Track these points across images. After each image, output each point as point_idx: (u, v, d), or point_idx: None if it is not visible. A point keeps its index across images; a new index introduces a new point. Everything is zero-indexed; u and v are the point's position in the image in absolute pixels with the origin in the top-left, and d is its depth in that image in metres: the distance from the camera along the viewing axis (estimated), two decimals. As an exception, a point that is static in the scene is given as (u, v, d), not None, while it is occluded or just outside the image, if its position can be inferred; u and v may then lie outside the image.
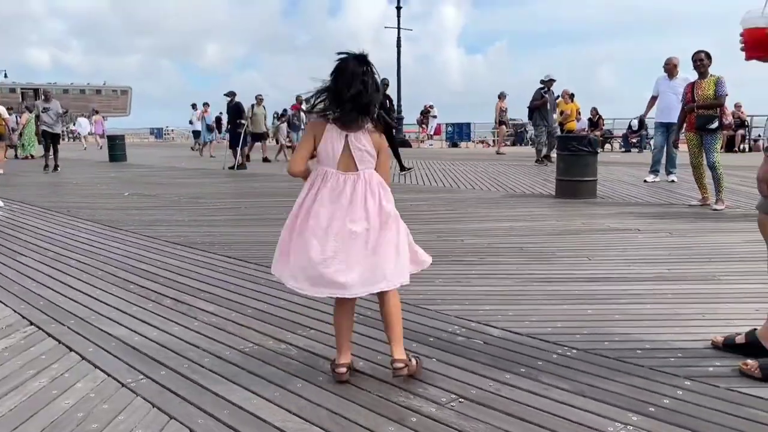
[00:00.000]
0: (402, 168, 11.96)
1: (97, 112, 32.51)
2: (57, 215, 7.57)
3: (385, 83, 11.28)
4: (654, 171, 10.23)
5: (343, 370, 2.60)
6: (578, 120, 18.15)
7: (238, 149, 14.59)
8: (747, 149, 19.25)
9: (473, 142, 27.18)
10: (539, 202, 8.20)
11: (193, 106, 23.96)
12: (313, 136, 2.58)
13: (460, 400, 2.44)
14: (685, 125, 7.37)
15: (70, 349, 3.05)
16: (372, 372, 2.72)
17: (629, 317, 3.39)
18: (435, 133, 28.38)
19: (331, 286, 2.51)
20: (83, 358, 2.95)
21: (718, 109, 7.03)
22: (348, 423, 2.26)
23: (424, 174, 12.14)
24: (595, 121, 19.23)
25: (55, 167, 14.29)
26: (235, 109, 14.25)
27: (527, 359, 2.83)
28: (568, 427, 2.21)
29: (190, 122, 24.63)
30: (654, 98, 10.11)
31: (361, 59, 2.49)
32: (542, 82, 13.74)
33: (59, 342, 3.16)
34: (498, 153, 18.12)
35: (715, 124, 7.01)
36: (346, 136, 2.53)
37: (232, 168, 14.60)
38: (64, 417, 2.35)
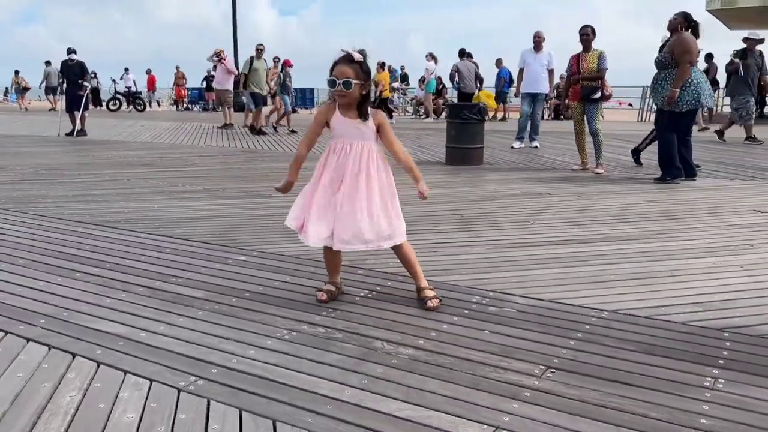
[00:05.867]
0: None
1: None
2: None
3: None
4: (520, 138, 10.93)
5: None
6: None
7: (78, 113, 13.07)
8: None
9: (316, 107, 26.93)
10: (436, 168, 8.38)
11: None
12: None
13: (551, 369, 2.45)
14: (569, 94, 7.92)
15: (74, 354, 2.57)
16: (439, 350, 2.64)
17: (623, 277, 3.61)
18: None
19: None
20: (99, 363, 2.50)
21: (600, 81, 7.65)
22: (470, 405, 2.17)
23: (292, 141, 11.79)
24: (439, 90, 19.98)
25: None
26: (78, 69, 12.67)
27: (573, 324, 2.91)
28: (671, 385, 2.32)
29: None
30: (521, 70, 10.74)
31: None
32: (745, 40, 11.11)
33: (50, 346, 2.64)
34: None
35: (598, 95, 7.63)
36: None
37: (70, 134, 13.07)
38: (145, 435, 1.99)
